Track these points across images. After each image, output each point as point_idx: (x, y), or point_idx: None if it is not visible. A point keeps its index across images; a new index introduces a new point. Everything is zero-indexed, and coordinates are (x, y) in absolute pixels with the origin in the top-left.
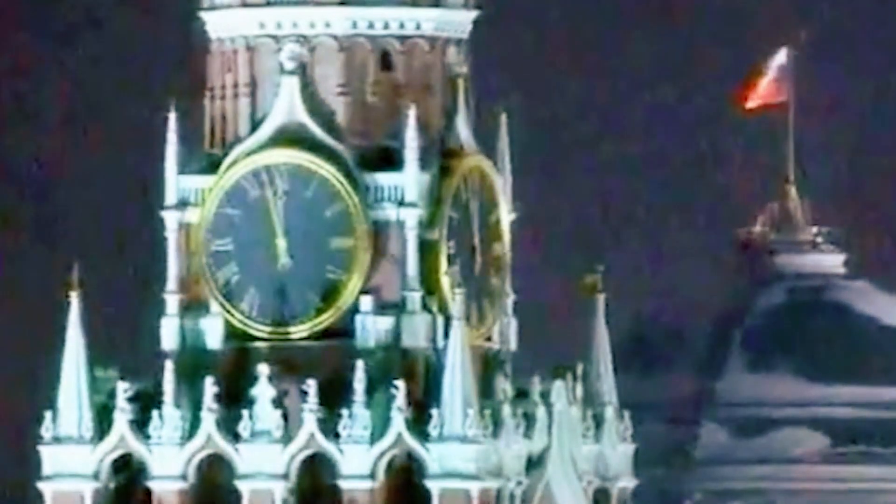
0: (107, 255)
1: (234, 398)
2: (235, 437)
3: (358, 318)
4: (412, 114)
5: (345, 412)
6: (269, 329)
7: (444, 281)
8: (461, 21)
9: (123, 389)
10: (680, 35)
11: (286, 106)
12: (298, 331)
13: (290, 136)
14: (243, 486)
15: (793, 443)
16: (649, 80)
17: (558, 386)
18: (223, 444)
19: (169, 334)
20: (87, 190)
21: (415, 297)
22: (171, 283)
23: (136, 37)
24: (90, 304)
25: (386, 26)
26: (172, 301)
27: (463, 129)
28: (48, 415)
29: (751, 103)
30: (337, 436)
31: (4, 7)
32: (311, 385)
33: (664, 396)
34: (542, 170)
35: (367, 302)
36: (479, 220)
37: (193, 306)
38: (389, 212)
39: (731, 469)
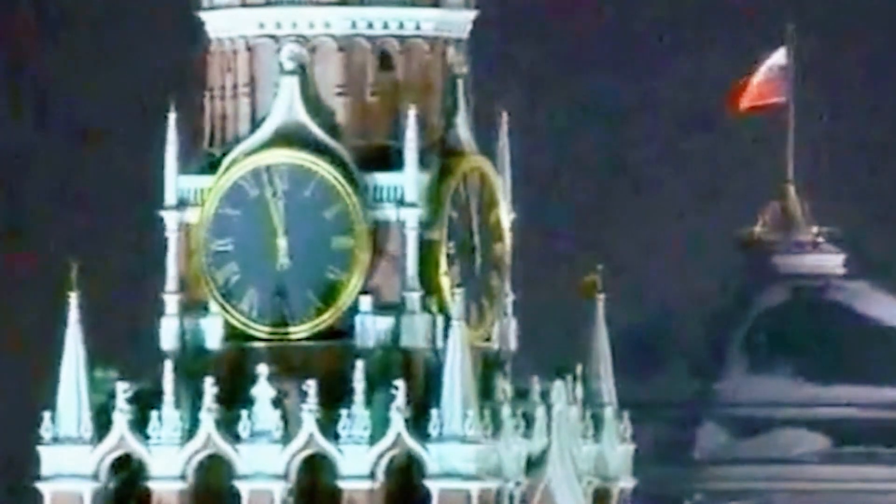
0: (107, 255)
1: (234, 398)
2: (235, 438)
3: (357, 318)
4: (412, 114)
5: (344, 412)
6: (268, 329)
7: (444, 281)
8: (461, 21)
9: (123, 390)
10: (680, 35)
11: (286, 106)
12: (298, 331)
13: (290, 136)
14: (243, 487)
15: (793, 443)
16: (649, 81)
17: (558, 386)
18: (223, 445)
19: (168, 334)
20: (87, 189)
21: (414, 298)
22: (171, 283)
23: (137, 36)
24: (90, 304)
25: (385, 26)
26: (172, 301)
27: (463, 129)
28: (47, 415)
29: (750, 104)
30: (336, 436)
31: (5, 6)
32: (311, 385)
33: (664, 397)
34: (543, 170)
35: (366, 302)
36: (479, 220)
37: (193, 306)
38: (389, 212)
39: (731, 469)
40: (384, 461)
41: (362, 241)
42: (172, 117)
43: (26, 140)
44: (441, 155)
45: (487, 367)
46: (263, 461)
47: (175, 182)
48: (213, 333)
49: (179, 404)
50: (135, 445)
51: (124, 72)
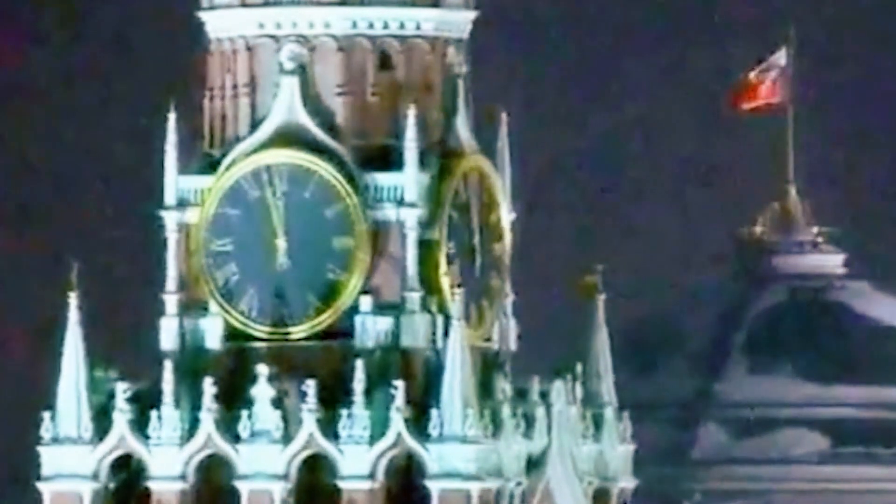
0: (107, 255)
1: (234, 398)
2: (235, 438)
3: (357, 318)
4: (412, 114)
5: (344, 412)
6: (268, 329)
7: (444, 281)
8: (461, 21)
9: (123, 390)
10: (679, 35)
11: (286, 106)
12: (298, 331)
13: (290, 137)
14: (242, 487)
15: (793, 443)
16: (649, 81)
17: (558, 386)
18: (222, 445)
19: (168, 334)
20: (87, 190)
21: (414, 298)
22: (171, 283)
23: (137, 36)
24: (90, 304)
25: (385, 26)
26: (172, 301)
27: (463, 129)
28: (47, 415)
29: (750, 104)
30: (336, 436)
31: (4, 6)
32: (311, 385)
33: (664, 397)
34: (543, 170)
35: (366, 302)
36: (479, 220)
37: (193, 306)
38: (389, 212)
39: (731, 469)
40: (384, 461)
41: (362, 241)
42: (172, 117)
43: (26, 140)
44: (441, 155)
45: (487, 367)
46: (263, 461)
47: (175, 182)
48: (213, 333)
49: (179, 404)
50: (135, 445)
51: (125, 72)
